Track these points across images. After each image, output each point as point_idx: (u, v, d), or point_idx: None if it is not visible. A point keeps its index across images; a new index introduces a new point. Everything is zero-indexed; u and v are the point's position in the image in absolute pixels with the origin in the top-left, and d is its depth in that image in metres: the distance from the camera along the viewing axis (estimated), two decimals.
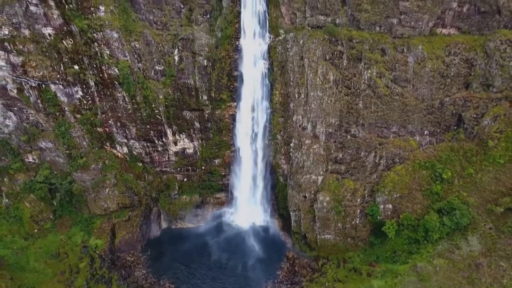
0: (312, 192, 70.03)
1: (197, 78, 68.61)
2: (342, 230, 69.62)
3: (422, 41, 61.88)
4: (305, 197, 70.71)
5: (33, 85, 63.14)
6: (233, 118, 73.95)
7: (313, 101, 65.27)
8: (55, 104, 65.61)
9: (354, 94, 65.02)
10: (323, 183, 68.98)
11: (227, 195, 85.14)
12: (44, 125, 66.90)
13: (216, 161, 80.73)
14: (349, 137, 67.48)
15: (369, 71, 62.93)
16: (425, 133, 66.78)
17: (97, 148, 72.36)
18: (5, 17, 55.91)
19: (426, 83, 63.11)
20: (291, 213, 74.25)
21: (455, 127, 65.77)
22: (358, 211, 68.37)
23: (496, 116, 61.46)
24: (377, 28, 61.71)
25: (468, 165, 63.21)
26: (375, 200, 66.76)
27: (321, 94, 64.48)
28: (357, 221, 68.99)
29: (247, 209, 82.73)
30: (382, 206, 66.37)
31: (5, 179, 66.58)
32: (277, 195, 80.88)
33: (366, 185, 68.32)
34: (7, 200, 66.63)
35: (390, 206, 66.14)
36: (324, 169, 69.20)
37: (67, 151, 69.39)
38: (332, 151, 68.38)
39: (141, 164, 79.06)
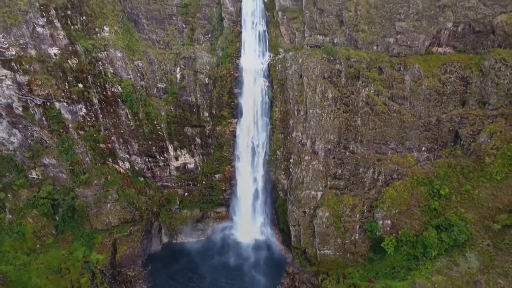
0: (312, 207, 70.67)
1: (198, 95, 70.10)
2: (342, 246, 70.01)
3: (419, 59, 63.33)
4: (304, 212, 71.31)
5: (38, 103, 64.57)
6: (233, 134, 75.16)
7: (312, 118, 66.43)
8: (59, 121, 66.95)
9: (353, 111, 66.22)
10: (323, 198, 69.67)
11: (227, 209, 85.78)
12: (48, 141, 68.13)
13: (217, 176, 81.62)
14: (347, 153, 68.45)
15: (367, 89, 64.25)
16: (423, 149, 67.73)
17: (99, 164, 73.44)
18: (12, 38, 57.57)
19: (423, 100, 64.34)
20: (291, 228, 74.74)
21: (452, 144, 66.73)
22: (357, 226, 68.86)
23: (492, 133, 62.43)
24: (374, 47, 63.22)
25: (465, 181, 63.89)
26: (374, 216, 67.33)
27: (320, 112, 65.69)
28: (357, 237, 69.42)
29: (248, 223, 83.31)
30: (381, 222, 66.90)
31: (9, 195, 67.47)
32: (277, 210, 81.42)
33: (365, 201, 68.97)
34: (10, 216, 67.40)
35: (389, 222, 66.69)
36: (323, 185, 69.97)
37: (70, 167, 70.45)
38: (331, 167, 69.22)
39: (142, 179, 79.98)
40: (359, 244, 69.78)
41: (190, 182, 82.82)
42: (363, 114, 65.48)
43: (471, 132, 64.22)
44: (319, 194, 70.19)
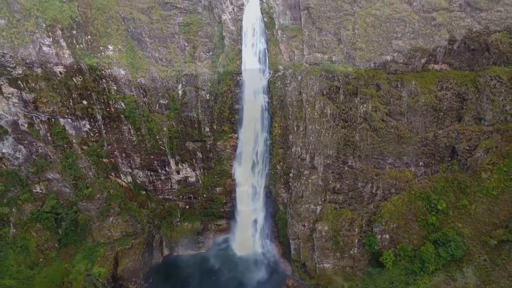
0: (311, 221, 71.60)
1: (199, 111, 71.58)
2: (341, 260, 70.80)
3: (415, 76, 64.78)
4: (304, 226, 72.22)
5: (43, 119, 65.99)
6: (234, 148, 76.52)
7: (311, 134, 67.76)
8: (63, 137, 68.23)
9: (351, 127, 67.52)
10: (322, 212, 70.66)
11: (228, 222, 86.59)
12: (52, 157, 69.40)
13: (218, 189, 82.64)
14: (346, 168, 69.58)
15: (365, 105, 65.59)
16: (420, 164, 68.87)
17: (102, 178, 74.58)
18: (19, 58, 59.11)
19: (419, 116, 65.69)
20: (290, 241, 75.57)
21: (449, 159, 67.87)
22: (356, 240, 69.71)
23: (488, 148, 63.56)
24: (372, 65, 64.63)
25: (462, 196, 64.86)
26: (373, 230, 68.25)
27: (318, 127, 67.03)
28: (355, 251, 70.25)
29: (248, 236, 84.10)
30: (379, 236, 67.82)
31: (13, 210, 68.53)
32: (277, 223, 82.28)
33: (363, 215, 69.91)
34: (14, 230, 68.37)
35: (387, 236, 67.60)
36: (323, 199, 70.98)
37: (74, 182, 71.57)
38: (330, 182, 70.27)
39: (144, 192, 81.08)
40: (358, 258, 70.57)
41: (191, 195, 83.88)
42: (361, 129, 66.71)
43: (468, 148, 65.40)
44: (319, 208, 71.19)
